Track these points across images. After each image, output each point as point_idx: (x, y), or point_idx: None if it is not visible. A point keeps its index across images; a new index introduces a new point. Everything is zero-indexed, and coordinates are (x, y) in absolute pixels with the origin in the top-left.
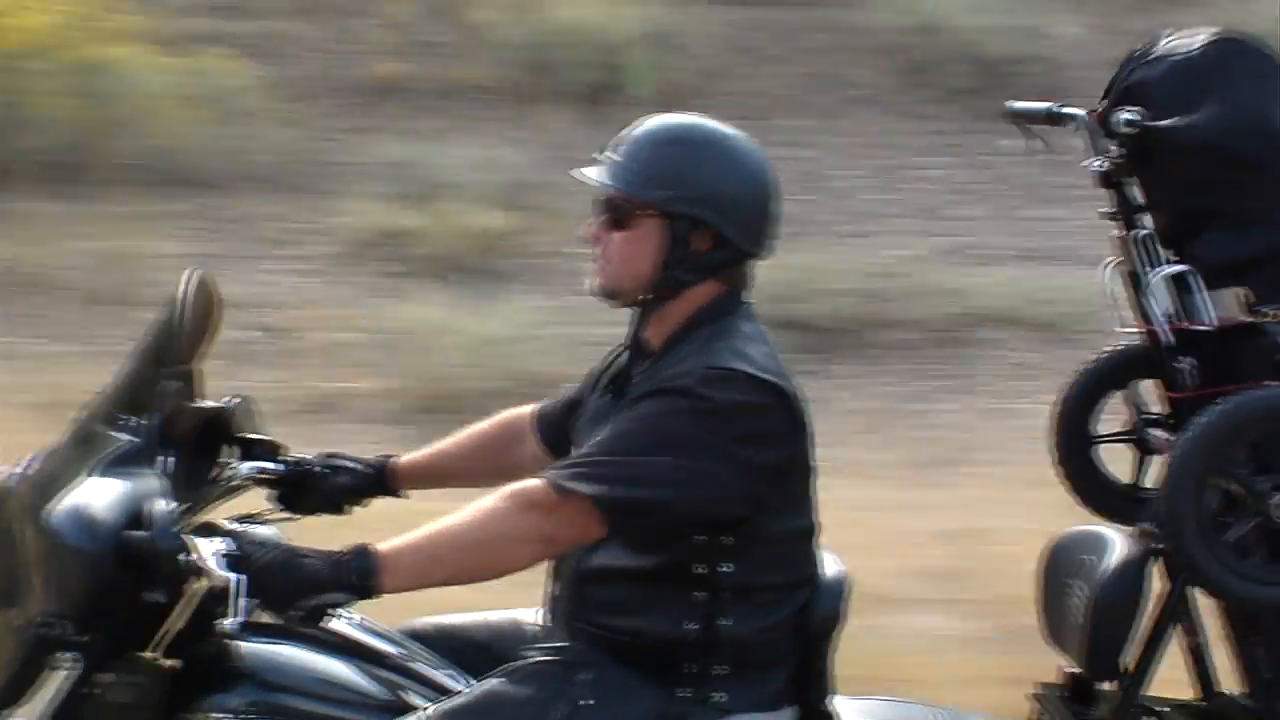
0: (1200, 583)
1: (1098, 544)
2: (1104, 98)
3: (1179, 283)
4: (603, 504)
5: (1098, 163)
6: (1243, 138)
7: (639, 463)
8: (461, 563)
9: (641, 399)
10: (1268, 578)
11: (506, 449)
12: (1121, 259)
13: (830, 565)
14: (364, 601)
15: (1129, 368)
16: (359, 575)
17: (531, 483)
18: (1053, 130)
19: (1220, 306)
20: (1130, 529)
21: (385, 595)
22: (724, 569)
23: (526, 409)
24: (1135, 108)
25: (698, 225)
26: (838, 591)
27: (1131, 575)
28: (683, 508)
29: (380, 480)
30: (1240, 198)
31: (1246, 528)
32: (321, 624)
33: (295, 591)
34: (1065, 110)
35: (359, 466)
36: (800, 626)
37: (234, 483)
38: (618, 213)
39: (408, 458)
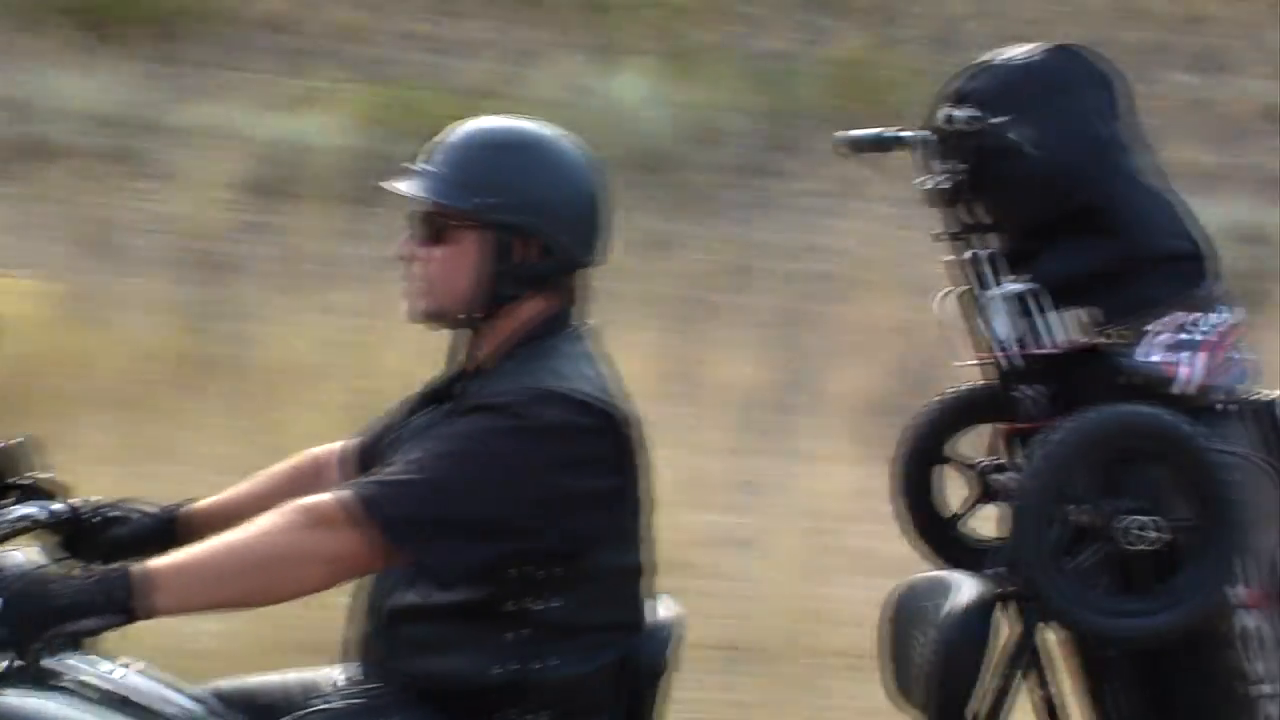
0: (1049, 618)
1: (942, 589)
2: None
3: (1022, 306)
4: (394, 524)
5: (934, 180)
6: (1080, 147)
7: (441, 480)
8: (245, 583)
9: (457, 415)
10: (1118, 608)
11: (307, 488)
12: (959, 285)
13: (663, 608)
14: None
15: (976, 408)
16: (124, 596)
17: (322, 496)
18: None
19: (1065, 328)
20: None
21: (161, 617)
22: (541, 607)
23: (334, 445)
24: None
25: (522, 235)
26: (668, 637)
27: (976, 619)
28: (489, 533)
29: (168, 529)
30: (1081, 210)
31: (1093, 555)
32: (101, 669)
33: (45, 618)
34: (900, 135)
35: (142, 515)
36: (625, 673)
37: (2, 530)
38: (434, 227)
39: (202, 504)
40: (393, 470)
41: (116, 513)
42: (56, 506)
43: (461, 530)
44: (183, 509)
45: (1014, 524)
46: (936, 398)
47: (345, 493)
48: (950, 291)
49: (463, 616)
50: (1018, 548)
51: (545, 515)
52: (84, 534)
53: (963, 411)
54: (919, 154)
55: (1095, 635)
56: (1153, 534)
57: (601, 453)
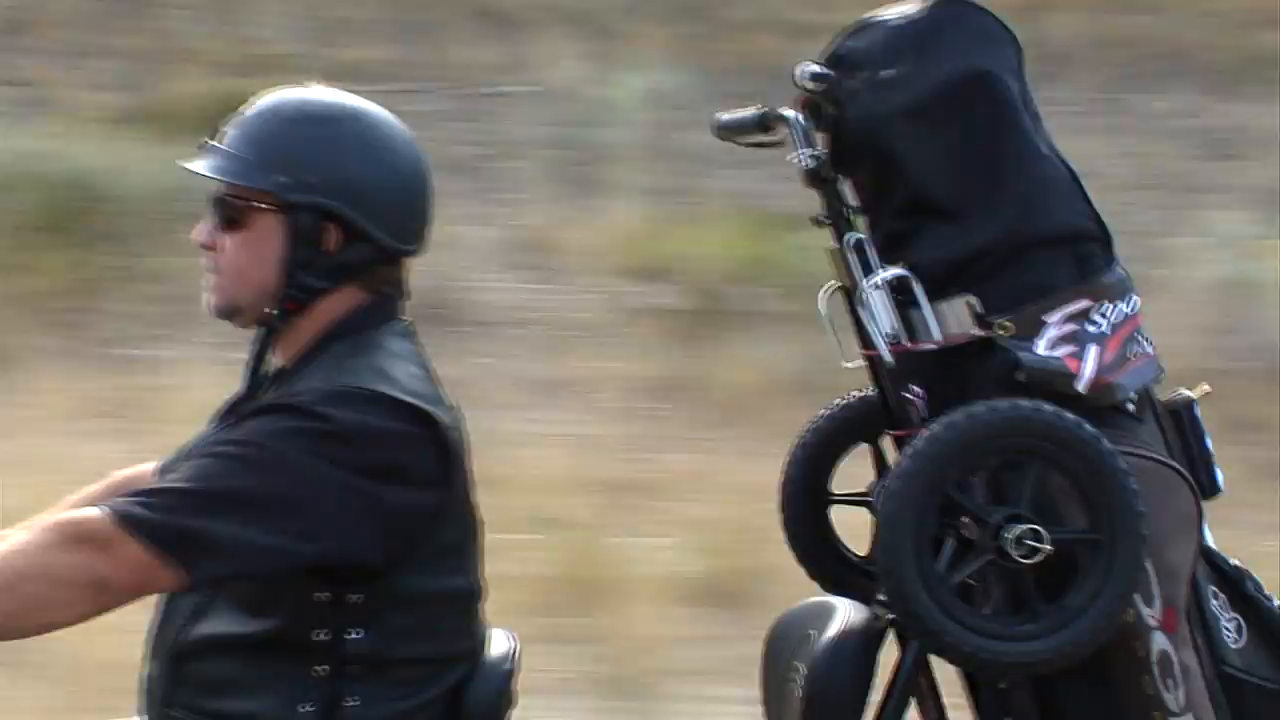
0: (934, 647)
1: (821, 616)
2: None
3: (901, 296)
4: (157, 539)
5: (803, 157)
6: (964, 94)
7: (224, 490)
8: None
9: (246, 418)
10: (1001, 631)
11: None
12: (835, 276)
13: (498, 640)
14: None
15: (872, 418)
16: None
17: (85, 510)
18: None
19: (947, 320)
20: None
21: None
22: (351, 636)
23: (147, 465)
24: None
25: (327, 218)
26: (504, 671)
27: (853, 647)
28: (271, 550)
29: None
30: (958, 178)
31: (975, 568)
32: None
33: None
34: (778, 113)
35: None
36: (454, 711)
37: None
38: (230, 210)
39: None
40: (168, 479)
41: None
42: None
43: (237, 545)
44: None
45: (880, 535)
46: (812, 423)
47: (115, 504)
48: (831, 286)
49: (264, 650)
50: (885, 562)
51: (346, 532)
52: None
53: (846, 431)
54: (797, 130)
55: (976, 662)
56: (1043, 546)
57: (418, 462)
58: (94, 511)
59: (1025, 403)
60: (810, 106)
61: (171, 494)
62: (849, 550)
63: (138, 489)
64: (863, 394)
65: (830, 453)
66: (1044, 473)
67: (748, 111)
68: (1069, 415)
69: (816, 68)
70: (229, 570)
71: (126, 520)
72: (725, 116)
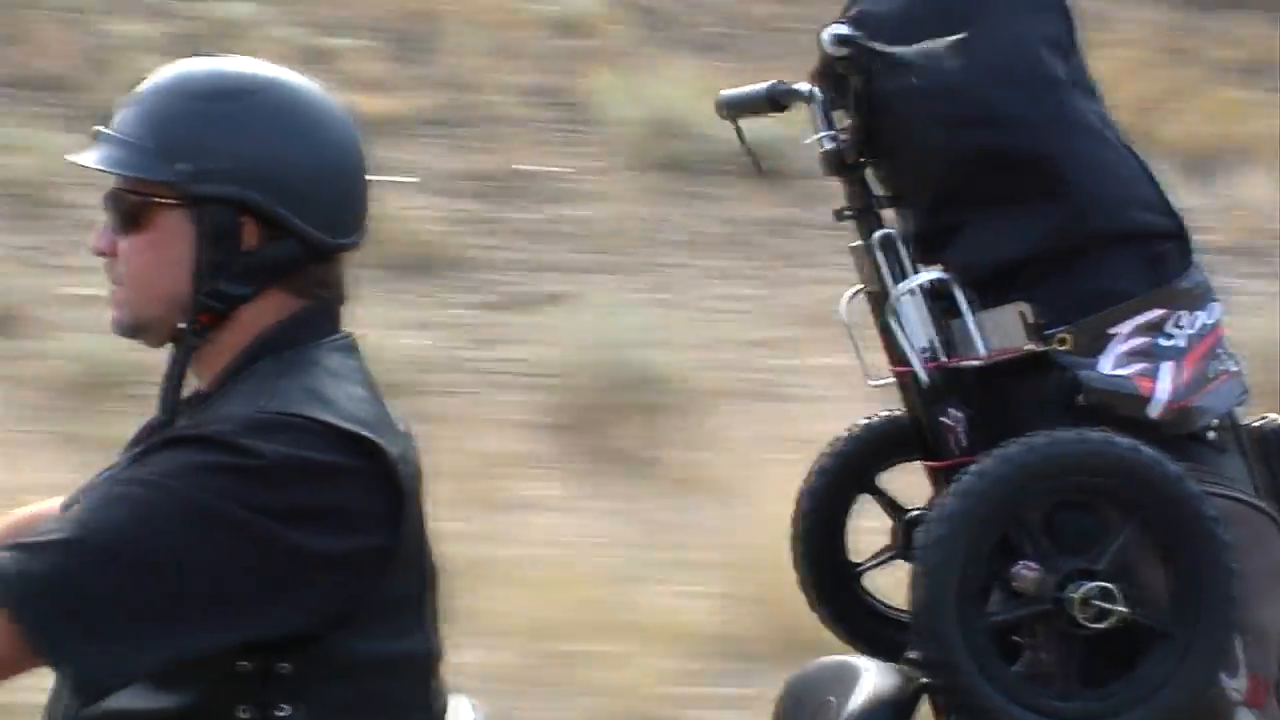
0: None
1: (844, 679)
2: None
3: (940, 304)
4: (28, 611)
5: (824, 139)
6: (1016, 83)
7: (112, 548)
8: None
9: (154, 451)
10: (1062, 709)
11: None
12: (866, 279)
13: (464, 712)
14: None
15: (885, 449)
16: None
17: None
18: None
19: (994, 331)
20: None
21: None
22: (281, 713)
23: (55, 500)
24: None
25: (247, 211)
26: None
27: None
28: (178, 639)
29: None
30: (1008, 170)
31: (1031, 632)
32: None
33: None
34: (792, 88)
35: None
36: None
37: None
38: (127, 208)
39: None
40: (45, 530)
41: None
42: None
43: (132, 615)
44: None
45: (918, 589)
46: (858, 424)
47: None
48: (858, 290)
49: None
50: (924, 622)
51: (271, 600)
52: None
53: (887, 443)
54: (817, 107)
55: None
56: (1116, 609)
57: (360, 500)
58: None
59: (1095, 434)
60: (832, 80)
61: (45, 547)
62: (887, 609)
63: (16, 540)
64: (860, 426)
65: (839, 503)
66: (1115, 518)
67: (757, 86)
68: (1147, 449)
69: (845, 29)
70: (109, 666)
71: None
72: (730, 92)
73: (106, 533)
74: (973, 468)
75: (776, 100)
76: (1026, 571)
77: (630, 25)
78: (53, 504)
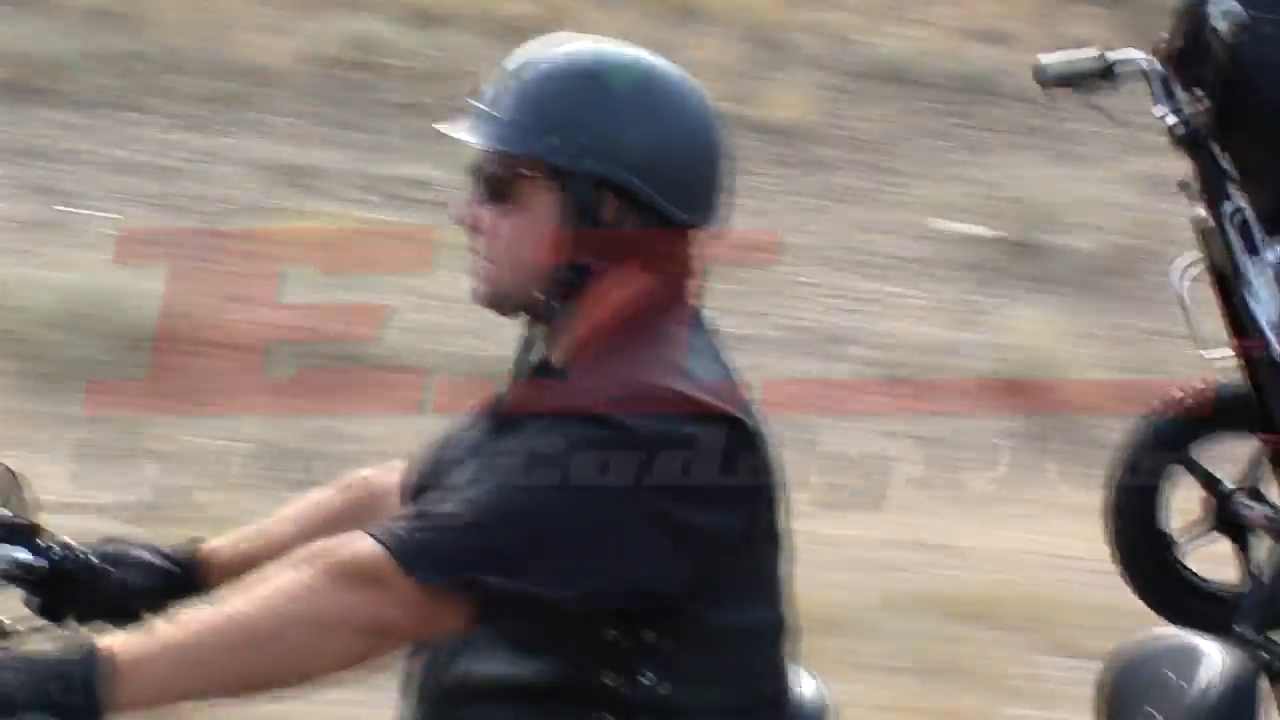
0: None
1: (1184, 657)
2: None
3: None
4: (455, 582)
5: (1171, 117)
6: None
7: (516, 520)
8: (246, 665)
9: (524, 425)
10: None
11: (361, 521)
12: (1204, 253)
13: (806, 683)
14: None
15: (1197, 424)
16: (78, 688)
17: (356, 544)
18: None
19: None
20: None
21: (128, 713)
22: (645, 680)
23: (394, 465)
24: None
25: (611, 187)
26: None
27: (1242, 701)
28: (569, 583)
29: (189, 577)
30: None
31: None
32: None
33: None
34: (1129, 58)
35: (156, 559)
36: None
37: None
38: (496, 182)
39: (228, 542)
40: (435, 503)
41: (126, 555)
42: (49, 549)
43: (533, 588)
44: (203, 549)
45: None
46: (1178, 395)
47: (394, 539)
48: (1191, 261)
49: (546, 695)
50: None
51: (653, 565)
52: (80, 586)
53: (1211, 414)
54: (1156, 84)
55: None
56: None
57: (729, 474)
58: (365, 543)
59: None
60: (1183, 56)
61: (456, 526)
62: (1208, 585)
63: (406, 513)
64: (1172, 400)
65: (1154, 476)
66: None
67: (1083, 54)
68: None
69: (1236, 5)
70: (522, 616)
71: (406, 556)
72: (1052, 60)
73: (505, 507)
74: None
75: (1111, 71)
76: None
77: None
78: (390, 472)
